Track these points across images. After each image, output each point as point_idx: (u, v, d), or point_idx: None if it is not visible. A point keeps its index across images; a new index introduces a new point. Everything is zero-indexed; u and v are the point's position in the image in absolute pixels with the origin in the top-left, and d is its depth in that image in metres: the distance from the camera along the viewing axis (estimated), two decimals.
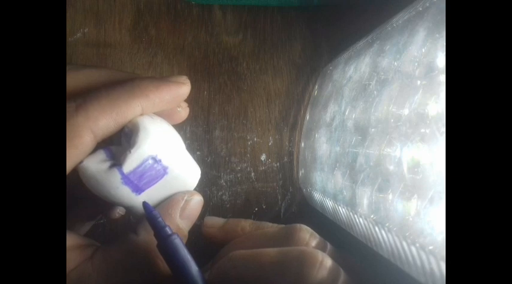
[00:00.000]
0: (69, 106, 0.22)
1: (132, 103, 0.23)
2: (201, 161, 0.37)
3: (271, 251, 0.23)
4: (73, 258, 0.23)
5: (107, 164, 0.23)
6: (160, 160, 0.24)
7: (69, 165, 0.22)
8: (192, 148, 0.27)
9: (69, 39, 0.37)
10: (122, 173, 0.23)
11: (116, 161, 0.23)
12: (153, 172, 0.24)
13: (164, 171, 0.24)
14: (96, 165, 0.23)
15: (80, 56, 0.37)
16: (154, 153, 0.23)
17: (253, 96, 0.38)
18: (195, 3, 0.38)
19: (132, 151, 0.23)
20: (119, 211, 0.30)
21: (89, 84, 0.24)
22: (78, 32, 0.37)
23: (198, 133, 0.37)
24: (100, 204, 0.25)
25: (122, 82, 0.23)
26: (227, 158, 0.37)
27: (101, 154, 0.23)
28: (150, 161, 0.23)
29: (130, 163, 0.23)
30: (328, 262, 0.22)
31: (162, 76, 0.25)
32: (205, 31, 0.38)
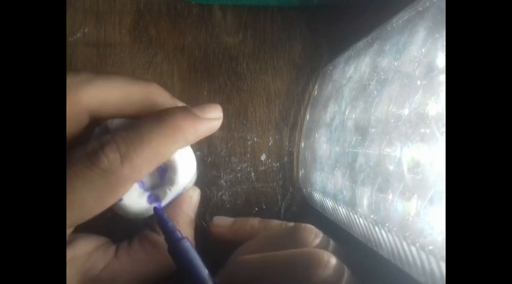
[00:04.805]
0: (114, 158, 0.21)
1: (173, 148, 0.24)
2: (201, 161, 0.36)
3: (278, 254, 0.24)
4: (100, 258, 0.24)
5: (145, 198, 0.25)
6: (185, 187, 0.27)
7: (106, 206, 0.22)
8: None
9: (69, 39, 0.37)
10: (159, 206, 0.25)
11: (151, 192, 0.25)
12: (178, 196, 0.27)
13: (182, 190, 0.27)
14: (135, 202, 0.25)
15: (80, 56, 0.37)
16: (186, 185, 0.27)
17: (253, 96, 0.38)
18: (195, 3, 0.38)
19: (171, 189, 0.25)
20: None
21: (105, 98, 0.24)
22: (78, 32, 0.37)
23: None
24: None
25: (161, 122, 0.23)
26: (227, 158, 0.37)
27: (137, 189, 0.25)
28: (181, 191, 0.27)
29: (167, 199, 0.26)
30: (333, 261, 0.23)
31: (197, 107, 0.25)
32: (205, 31, 0.38)
